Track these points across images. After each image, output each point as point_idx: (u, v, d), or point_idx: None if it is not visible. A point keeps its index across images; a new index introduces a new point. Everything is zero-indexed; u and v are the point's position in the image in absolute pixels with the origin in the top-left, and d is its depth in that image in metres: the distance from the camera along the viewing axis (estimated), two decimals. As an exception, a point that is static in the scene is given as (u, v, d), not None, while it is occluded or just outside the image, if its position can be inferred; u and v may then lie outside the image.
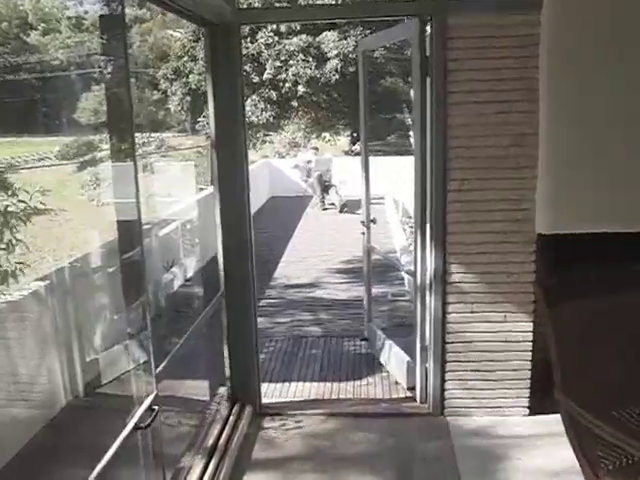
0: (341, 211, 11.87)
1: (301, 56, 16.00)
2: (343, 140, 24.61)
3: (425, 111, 3.63)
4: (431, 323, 3.80)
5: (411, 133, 21.71)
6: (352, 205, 12.16)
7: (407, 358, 4.26)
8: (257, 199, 12.99)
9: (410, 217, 12.40)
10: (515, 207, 3.54)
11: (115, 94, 2.16)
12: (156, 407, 2.33)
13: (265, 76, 16.15)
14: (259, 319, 5.90)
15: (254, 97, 16.79)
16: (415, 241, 3.90)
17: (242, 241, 3.79)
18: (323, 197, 12.43)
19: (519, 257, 3.59)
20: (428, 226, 3.72)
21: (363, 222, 4.83)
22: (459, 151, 3.55)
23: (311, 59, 16.07)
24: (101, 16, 2.21)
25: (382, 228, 9.10)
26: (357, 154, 21.30)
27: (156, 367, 3.22)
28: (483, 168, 3.54)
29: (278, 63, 16.07)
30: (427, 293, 3.81)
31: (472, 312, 3.73)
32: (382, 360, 4.77)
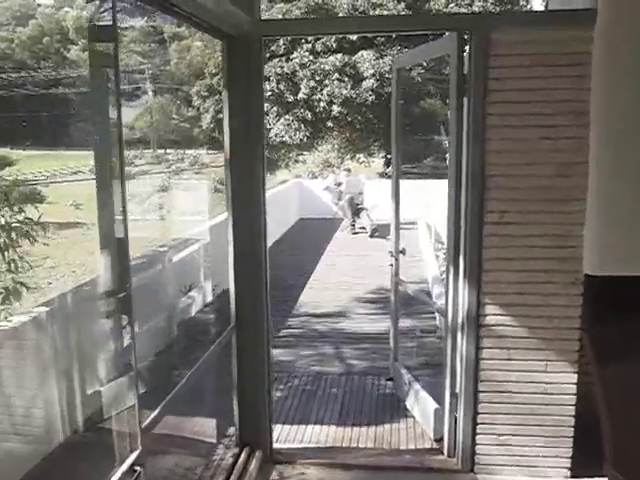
0: (372, 236, 11.59)
1: (336, 75, 15.92)
2: (377, 162, 24.41)
3: (461, 135, 3.35)
4: (462, 368, 3.48)
5: (448, 156, 21.48)
6: (383, 230, 11.85)
7: (435, 405, 3.93)
8: (286, 220, 12.83)
9: (442, 243, 12.06)
10: (560, 244, 3.23)
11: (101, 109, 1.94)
12: (138, 468, 2.06)
13: (300, 96, 16.11)
14: (278, 351, 5.70)
15: (288, 117, 16.78)
16: (447, 276, 3.59)
17: (256, 272, 3.54)
18: (354, 220, 12.16)
19: (562, 300, 3.26)
20: (461, 261, 3.41)
21: (391, 252, 4.54)
22: (499, 180, 3.25)
23: (347, 79, 15.99)
24: (91, 26, 2.02)
25: (414, 255, 8.80)
26: (391, 177, 21.18)
27: (159, 402, 2.97)
28: (525, 200, 3.24)
29: (313, 83, 16.03)
30: (459, 335, 3.50)
31: (509, 359, 3.39)
32: (408, 404, 4.44)
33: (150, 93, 44.21)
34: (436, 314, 6.19)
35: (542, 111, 3.14)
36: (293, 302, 7.34)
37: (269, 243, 10.80)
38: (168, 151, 39.53)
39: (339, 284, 8.24)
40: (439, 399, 3.85)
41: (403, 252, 4.55)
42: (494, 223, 3.28)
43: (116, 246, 2.06)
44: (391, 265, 4.58)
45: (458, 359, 3.52)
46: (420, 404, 4.19)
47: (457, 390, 3.57)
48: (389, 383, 4.85)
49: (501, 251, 3.30)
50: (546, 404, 3.38)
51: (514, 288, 3.32)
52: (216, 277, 6.67)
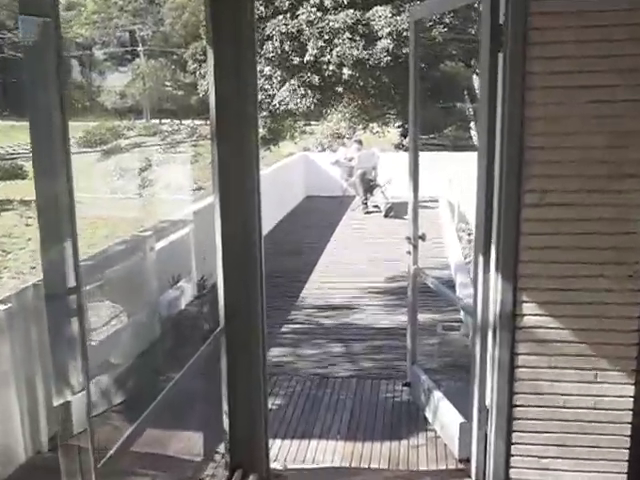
0: (386, 215, 11.29)
1: (347, 35, 15.54)
2: (393, 132, 24.01)
3: (495, 99, 3.03)
4: (494, 377, 3.20)
5: (472, 125, 21.00)
6: (399, 208, 11.54)
7: (460, 419, 3.66)
8: (290, 199, 12.55)
9: (467, 224, 11.74)
10: (614, 230, 2.93)
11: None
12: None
13: (306, 58, 15.74)
14: (278, 350, 5.45)
15: (293, 81, 16.45)
16: (475, 268, 3.30)
17: (249, 266, 3.26)
18: (366, 198, 11.85)
19: (617, 296, 2.97)
20: (494, 251, 3.11)
21: (409, 238, 4.24)
22: (539, 153, 2.94)
23: (359, 38, 15.60)
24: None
25: (434, 238, 8.46)
26: (408, 149, 20.76)
27: (139, 414, 2.75)
28: (572, 176, 2.93)
29: (321, 43, 15.65)
30: (490, 337, 3.22)
31: (550, 367, 3.11)
32: (428, 415, 4.18)
33: (142, 57, 43.88)
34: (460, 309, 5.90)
35: (594, 67, 2.81)
36: (296, 292, 7.07)
37: (270, 225, 10.57)
38: (163, 121, 39.32)
39: (349, 271, 7.97)
40: (465, 411, 3.58)
41: (423, 238, 4.25)
42: (534, 205, 2.98)
43: (61, 237, 1.77)
44: (409, 253, 4.28)
45: (489, 366, 3.24)
46: (443, 416, 3.92)
47: (488, 402, 3.30)
48: (406, 389, 4.58)
49: (542, 239, 3.00)
50: (596, 421, 3.10)
51: (558, 283, 3.02)
52: (212, 263, 6.42)
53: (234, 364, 3.39)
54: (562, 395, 3.12)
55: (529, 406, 3.17)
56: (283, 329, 6.02)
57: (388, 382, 4.82)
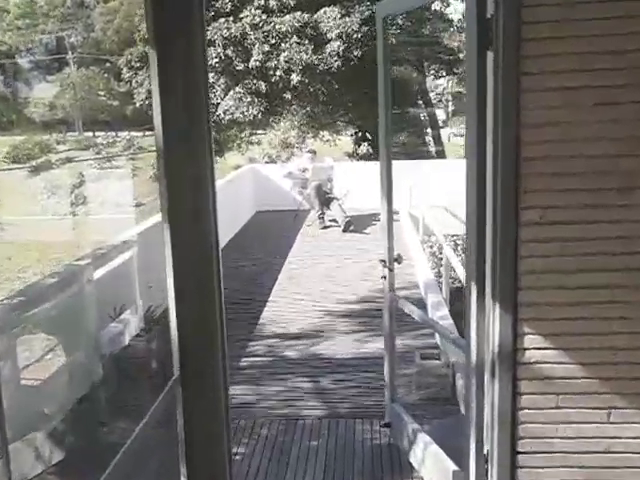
0: (345, 230, 11.05)
1: (295, 38, 15.33)
2: (345, 140, 23.88)
3: (484, 103, 2.78)
4: (494, 421, 2.94)
5: (428, 131, 21.05)
6: (359, 222, 11.37)
7: (453, 466, 3.39)
8: (239, 215, 12.23)
9: (430, 236, 11.59)
10: (624, 249, 2.72)
11: None
12: None
13: (251, 63, 15.47)
14: (238, 389, 5.11)
15: (238, 89, 16.18)
16: (467, 299, 3.04)
17: (206, 301, 2.93)
18: (322, 213, 11.60)
19: (631, 325, 2.75)
20: (489, 277, 2.86)
21: (384, 262, 3.97)
22: (538, 164, 2.71)
23: (307, 42, 15.39)
24: None
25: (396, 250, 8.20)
26: (362, 157, 20.63)
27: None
28: (575, 190, 2.71)
29: (267, 47, 15.41)
30: (487, 376, 2.96)
31: (557, 407, 2.87)
32: (412, 461, 3.90)
33: (72, 65, 42.90)
34: (435, 334, 5.67)
35: (599, 65, 2.59)
36: (254, 319, 6.74)
37: (220, 244, 10.12)
38: (97, 134, 38.39)
39: (311, 294, 7.66)
40: (458, 458, 3.31)
41: (399, 260, 3.99)
42: (533, 224, 2.74)
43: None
44: (384, 278, 4.01)
45: (487, 408, 2.98)
46: (431, 463, 3.64)
47: (486, 449, 3.04)
48: (385, 430, 4.29)
49: (543, 261, 2.76)
50: (610, 467, 2.87)
51: (564, 312, 2.78)
52: (160, 290, 6.02)
53: (192, 420, 3.04)
54: (571, 439, 2.88)
55: (534, 452, 2.92)
56: (242, 363, 5.68)
57: (364, 422, 4.53)
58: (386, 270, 3.97)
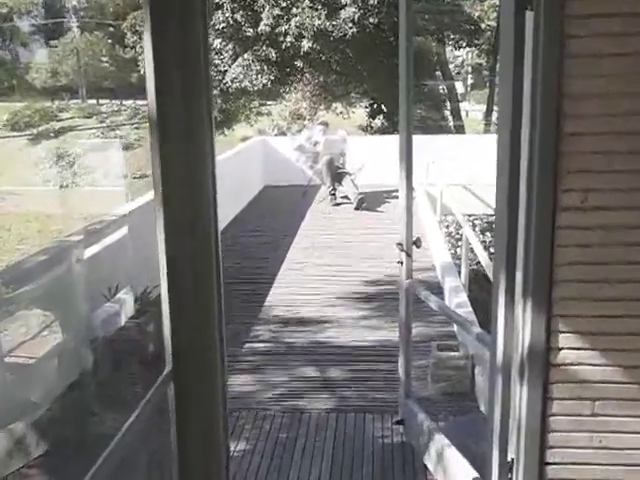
0: (358, 207, 10.82)
1: (307, 2, 14.98)
2: (359, 112, 23.55)
3: (521, 71, 2.53)
4: (521, 428, 2.73)
5: (447, 104, 20.67)
6: (372, 199, 11.15)
7: (473, 473, 3.19)
8: (247, 189, 12.04)
9: (447, 215, 11.35)
10: (678, 239, 2.47)
11: None
12: None
13: (261, 28, 15.15)
14: (240, 378, 4.93)
15: (247, 56, 15.90)
16: (495, 291, 2.81)
17: (203, 286, 2.72)
18: (334, 189, 11.36)
19: (680, 325, 2.52)
20: (520, 268, 2.64)
21: (401, 245, 3.74)
22: (581, 141, 2.47)
23: (320, 6, 15.03)
24: None
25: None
26: (377, 131, 20.32)
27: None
28: (623, 172, 2.47)
29: (277, 11, 15.05)
30: (515, 377, 2.74)
31: (593, 414, 2.66)
32: (428, 463, 3.70)
33: (76, 30, 42.52)
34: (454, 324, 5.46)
35: (656, 29, 2.34)
36: (259, 303, 6.54)
37: (225, 221, 9.99)
38: (101, 102, 38.14)
39: (320, 275, 7.46)
40: (478, 463, 3.12)
41: (417, 244, 3.76)
42: (574, 208, 2.51)
43: None
44: (400, 263, 3.78)
45: (514, 413, 2.77)
46: (448, 468, 3.45)
47: (511, 457, 2.83)
48: (399, 427, 4.10)
49: (584, 252, 2.54)
50: (651, 482, 2.66)
51: (604, 308, 2.56)
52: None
53: (185, 418, 2.85)
54: (609, 450, 2.67)
55: (565, 464, 2.71)
56: (244, 349, 5.49)
57: (375, 417, 4.33)
58: (403, 255, 3.74)
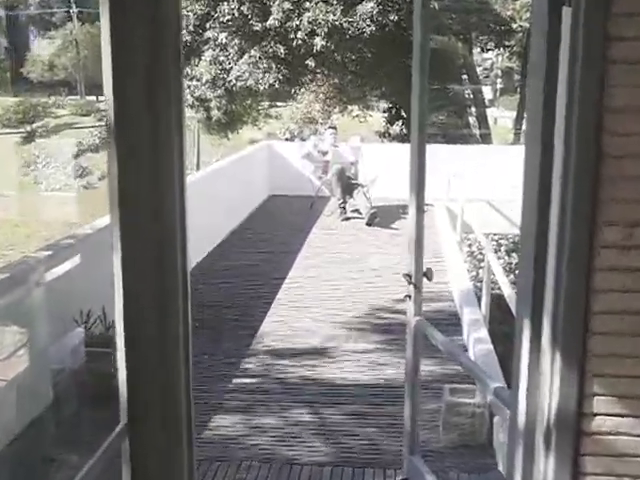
0: (370, 223, 10.55)
1: (322, -4, 14.81)
2: (377, 117, 23.36)
3: (554, 75, 2.27)
4: (545, 508, 2.45)
5: (473, 111, 20.46)
6: (386, 214, 10.89)
7: None
8: (250, 198, 11.86)
9: (468, 233, 11.07)
10: None
11: None
12: None
13: (270, 22, 14.94)
14: (224, 419, 4.66)
15: (254, 52, 15.77)
16: (518, 340, 2.53)
17: (167, 329, 2.47)
18: (344, 201, 11.12)
19: None
20: (548, 314, 2.37)
21: (409, 277, 3.47)
22: (626, 165, 2.21)
23: (335, 1, 14.82)
24: None
25: (429, 252, 7.60)
26: (395, 138, 20.09)
27: None
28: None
29: (288, 5, 14.85)
30: (540, 448, 2.46)
31: (633, 495, 2.36)
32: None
33: (75, 20, 42.65)
34: (470, 353, 5.17)
35: None
36: (251, 331, 6.27)
37: (224, 232, 9.75)
38: (101, 98, 38.16)
39: (323, 301, 7.19)
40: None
41: (429, 275, 3.48)
42: (616, 246, 2.24)
43: None
44: (408, 297, 3.51)
45: (537, 489, 2.49)
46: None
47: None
48: (402, 487, 3.82)
49: (627, 300, 2.27)
50: None
51: (653, 368, 2.28)
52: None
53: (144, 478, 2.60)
54: (651, 539, 2.38)
55: None
56: (231, 385, 5.23)
57: (376, 472, 4.06)
58: (411, 288, 3.47)
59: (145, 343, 2.50)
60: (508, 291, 5.54)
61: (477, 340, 5.46)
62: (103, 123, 31.84)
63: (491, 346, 5.32)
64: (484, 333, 5.61)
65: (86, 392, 4.70)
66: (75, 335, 5.01)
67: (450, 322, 6.41)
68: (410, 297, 3.51)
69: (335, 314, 6.75)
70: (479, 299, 6.72)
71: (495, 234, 12.13)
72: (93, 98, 39.15)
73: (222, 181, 9.96)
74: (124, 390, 2.52)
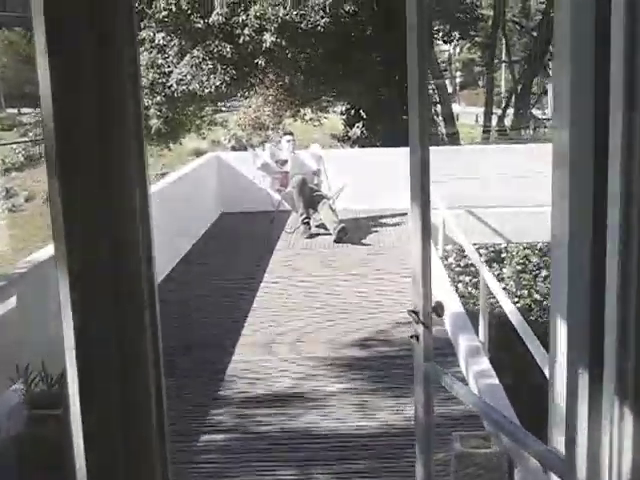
0: (339, 240, 10.26)
1: (268, -12, 14.66)
2: (333, 119, 23.20)
3: (601, 63, 2.00)
4: None
5: (438, 108, 20.39)
6: (354, 228, 10.64)
7: None
8: (199, 219, 11.54)
9: (451, 245, 10.88)
10: None
11: None
12: None
13: (213, 18, 14.71)
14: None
15: (196, 53, 15.48)
16: (569, 386, 2.26)
17: (131, 375, 2.14)
18: (308, 216, 10.81)
19: None
20: (611, 355, 2.10)
21: (415, 314, 3.18)
22: None
23: (285, -8, 14.72)
24: None
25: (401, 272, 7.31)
26: (355, 142, 19.92)
27: None
28: None
29: (233, -2, 14.70)
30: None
31: None
32: None
33: (-8, 25, 41.91)
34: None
35: None
36: (218, 375, 5.92)
37: (172, 262, 9.37)
38: (23, 110, 37.48)
39: (296, 334, 6.88)
40: None
41: (439, 312, 3.20)
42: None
43: None
44: (415, 338, 3.21)
45: None
46: None
47: None
48: None
49: None
50: None
51: None
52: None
53: None
54: None
55: None
56: (199, 444, 4.88)
57: None
58: (420, 328, 3.17)
59: (106, 399, 2.18)
60: (509, 308, 5.34)
61: (479, 374, 5.20)
62: (27, 139, 31.21)
63: (496, 380, 5.07)
64: (486, 364, 5.36)
65: (29, 462, 4.31)
66: (11, 395, 4.62)
67: (442, 351, 6.15)
68: (417, 338, 3.21)
69: (310, 349, 6.44)
70: (472, 321, 6.50)
71: (474, 244, 12.02)
72: (14, 111, 38.43)
73: (165, 204, 9.58)
74: (81, 460, 2.19)
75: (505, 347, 6.34)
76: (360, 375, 5.88)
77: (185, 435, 4.91)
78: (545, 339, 4.69)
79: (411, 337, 3.25)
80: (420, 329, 3.21)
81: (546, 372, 3.67)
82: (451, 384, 3.17)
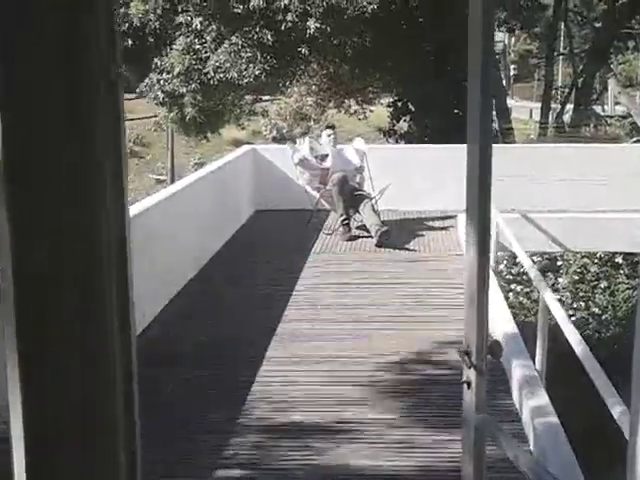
0: (380, 244, 9.87)
1: (314, -30, 14.26)
2: (378, 112, 22.74)
3: None
4: None
5: (493, 101, 19.93)
6: (398, 231, 10.21)
7: None
8: (232, 216, 11.26)
9: (505, 252, 10.36)
10: None
11: None
12: None
13: (253, 3, 14.33)
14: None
15: (235, 39, 15.11)
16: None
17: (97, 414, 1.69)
18: (348, 217, 10.46)
19: None
20: None
21: (467, 355, 2.71)
22: None
23: (331, -24, 14.29)
24: None
25: (442, 281, 6.82)
26: (402, 137, 19.40)
27: None
28: None
29: (276, -18, 14.32)
30: None
31: None
32: None
33: None
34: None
35: None
36: (239, 397, 5.50)
37: (201, 260, 8.95)
38: None
39: (330, 349, 6.44)
40: None
41: (496, 353, 2.74)
42: None
43: None
44: (467, 385, 2.74)
45: None
46: None
47: None
48: None
49: None
50: None
51: None
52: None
53: None
54: None
55: None
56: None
57: None
58: (472, 373, 2.70)
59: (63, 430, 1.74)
60: (574, 337, 4.82)
61: (536, 411, 4.71)
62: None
63: (556, 419, 4.58)
64: (544, 399, 4.87)
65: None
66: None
67: (492, 377, 5.66)
68: (469, 385, 2.74)
69: (344, 371, 5.99)
70: (528, 345, 6.01)
71: (527, 251, 11.53)
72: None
73: (196, 197, 9.28)
74: None
75: (566, 381, 5.83)
76: (397, 403, 5.42)
77: (198, 469, 4.53)
78: (606, 364, 4.19)
79: (463, 383, 2.79)
80: (472, 375, 2.74)
81: (622, 427, 3.19)
82: (507, 445, 2.70)
